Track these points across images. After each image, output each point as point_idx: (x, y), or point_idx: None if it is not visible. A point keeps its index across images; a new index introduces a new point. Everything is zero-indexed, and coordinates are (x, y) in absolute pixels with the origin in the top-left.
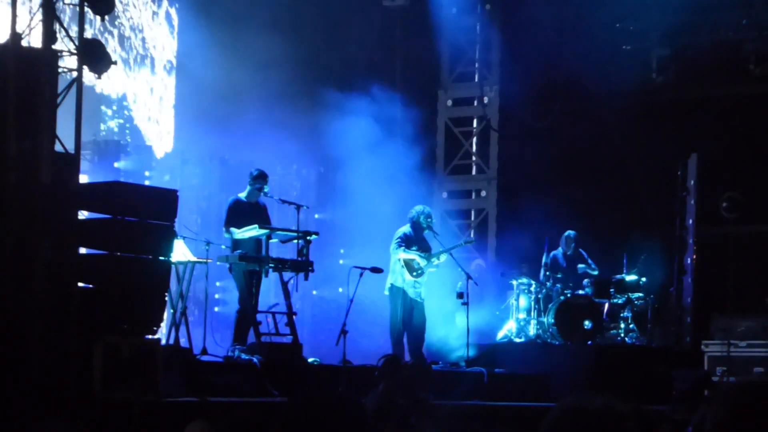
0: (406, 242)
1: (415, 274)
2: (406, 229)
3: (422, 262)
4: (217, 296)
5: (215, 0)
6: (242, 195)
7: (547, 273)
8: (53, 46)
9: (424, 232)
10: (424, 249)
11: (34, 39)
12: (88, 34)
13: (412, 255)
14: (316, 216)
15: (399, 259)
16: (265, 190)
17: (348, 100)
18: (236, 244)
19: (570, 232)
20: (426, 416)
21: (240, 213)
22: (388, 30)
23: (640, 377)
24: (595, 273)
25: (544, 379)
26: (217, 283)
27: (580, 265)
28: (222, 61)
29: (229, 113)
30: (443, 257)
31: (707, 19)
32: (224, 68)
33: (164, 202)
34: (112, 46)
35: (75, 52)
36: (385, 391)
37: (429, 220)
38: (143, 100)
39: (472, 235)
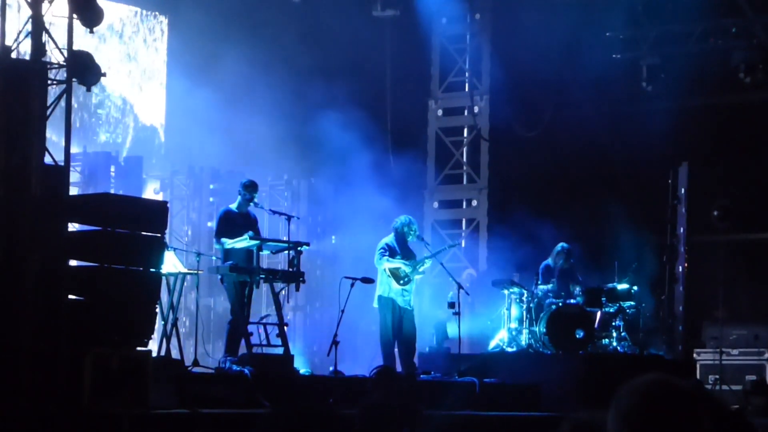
0: (390, 252)
1: (401, 282)
2: (388, 239)
3: (407, 269)
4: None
5: (204, 10)
6: (233, 206)
7: (539, 282)
8: (42, 59)
9: (410, 242)
10: (409, 258)
11: (23, 51)
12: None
13: (396, 263)
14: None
15: (384, 270)
16: (255, 200)
17: (338, 110)
18: (227, 255)
19: (563, 245)
20: (418, 427)
21: (231, 224)
22: (378, 40)
23: None
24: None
25: (535, 389)
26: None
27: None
28: (212, 69)
29: (219, 123)
30: (428, 263)
31: (697, 27)
32: (214, 77)
33: (154, 213)
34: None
35: (64, 64)
36: (378, 401)
37: (412, 229)
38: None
39: (463, 245)
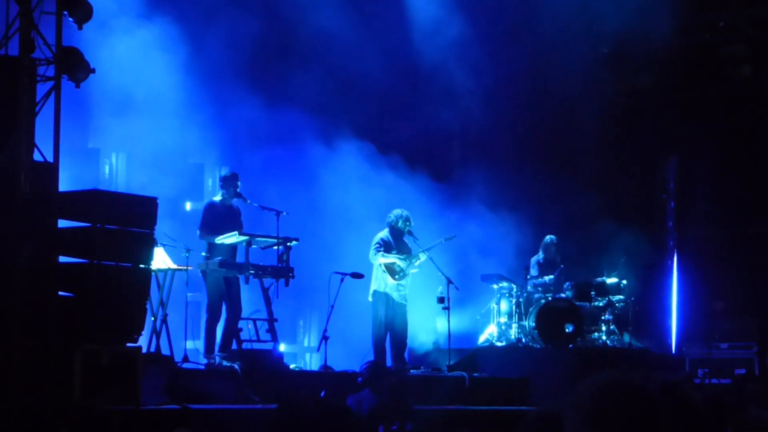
0: (385, 247)
1: (397, 277)
2: (383, 234)
3: (402, 264)
4: None
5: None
6: (216, 198)
7: (528, 277)
8: (31, 55)
9: (404, 237)
10: (404, 252)
11: (11, 48)
12: None
13: (392, 258)
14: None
15: (380, 264)
16: (241, 194)
17: (326, 107)
18: (212, 249)
19: (551, 237)
20: (409, 421)
21: (215, 216)
22: (365, 37)
23: None
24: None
25: (524, 383)
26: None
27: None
28: (200, 63)
29: (209, 118)
30: (423, 257)
31: (685, 21)
32: (203, 71)
33: (144, 209)
34: None
35: (53, 60)
36: (375, 396)
37: (408, 223)
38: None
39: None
